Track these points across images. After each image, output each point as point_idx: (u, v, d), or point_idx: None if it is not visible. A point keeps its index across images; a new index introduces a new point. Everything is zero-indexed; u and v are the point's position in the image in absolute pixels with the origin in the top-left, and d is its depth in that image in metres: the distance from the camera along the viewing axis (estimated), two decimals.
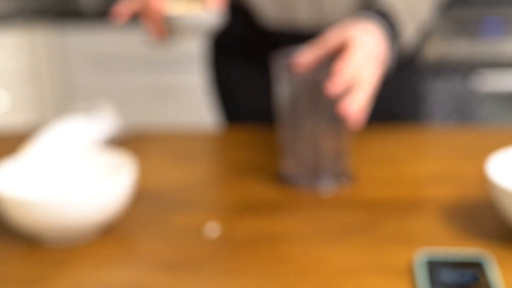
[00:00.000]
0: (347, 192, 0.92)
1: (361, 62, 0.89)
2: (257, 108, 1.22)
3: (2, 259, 0.78)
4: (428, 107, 2.09)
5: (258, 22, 1.15)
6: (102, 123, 1.08)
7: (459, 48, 2.14)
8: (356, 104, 0.86)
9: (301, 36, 1.11)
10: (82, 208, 0.77)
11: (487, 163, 0.90)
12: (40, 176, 0.88)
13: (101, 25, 2.31)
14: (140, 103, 2.33)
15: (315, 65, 0.93)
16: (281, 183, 0.95)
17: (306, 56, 0.92)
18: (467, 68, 2.14)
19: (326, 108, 0.90)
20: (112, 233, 0.83)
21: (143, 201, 0.90)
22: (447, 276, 0.70)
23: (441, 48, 2.14)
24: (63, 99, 2.38)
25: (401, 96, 1.19)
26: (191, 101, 2.32)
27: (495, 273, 0.70)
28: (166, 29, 0.98)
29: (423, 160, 1.04)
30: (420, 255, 0.74)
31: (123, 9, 1.02)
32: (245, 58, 1.21)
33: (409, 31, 1.02)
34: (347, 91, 0.88)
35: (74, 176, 0.89)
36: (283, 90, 0.92)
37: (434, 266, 0.72)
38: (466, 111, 2.13)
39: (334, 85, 0.86)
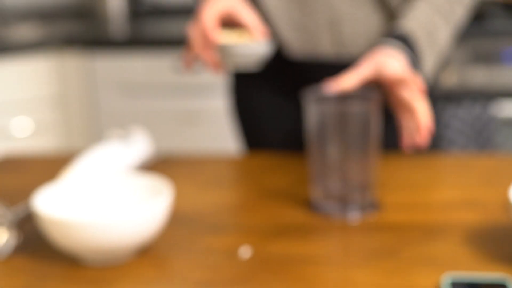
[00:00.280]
0: (374, 218, 0.95)
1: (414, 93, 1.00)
2: (279, 134, 1.26)
3: (44, 278, 0.82)
4: (450, 133, 2.12)
5: (283, 52, 1.20)
6: (137, 148, 1.12)
7: (478, 76, 2.17)
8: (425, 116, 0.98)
9: (323, 66, 1.16)
10: (121, 230, 0.80)
11: (510, 189, 0.93)
12: (80, 199, 0.91)
13: (128, 52, 2.36)
14: (165, 128, 2.37)
15: (349, 91, 0.98)
16: (310, 208, 0.98)
17: (345, 81, 0.98)
18: (486, 96, 2.16)
19: (354, 139, 0.94)
20: (148, 254, 0.86)
21: (177, 224, 0.94)
22: None
23: (461, 76, 2.17)
24: (90, 125, 2.43)
25: None
26: (216, 126, 2.36)
27: None
28: (222, 58, 1.07)
29: (445, 186, 1.07)
30: (445, 278, 0.76)
31: (187, 58, 1.12)
32: (269, 86, 1.25)
33: (429, 57, 1.06)
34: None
35: (113, 199, 0.92)
36: (312, 120, 0.96)
37: None
38: (485, 137, 2.15)
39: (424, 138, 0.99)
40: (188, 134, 2.38)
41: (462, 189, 1.04)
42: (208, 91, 2.34)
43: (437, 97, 1.25)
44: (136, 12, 2.78)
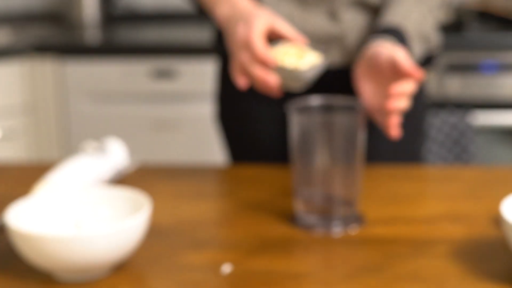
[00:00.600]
0: (357, 232, 0.93)
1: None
2: (266, 143, 1.23)
3: None
4: (428, 142, 2.12)
5: None
6: (113, 160, 1.09)
7: (455, 86, 2.18)
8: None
9: None
10: (97, 246, 0.78)
11: (500, 204, 0.91)
12: (55, 213, 0.88)
13: (102, 58, 2.33)
14: (140, 137, 2.34)
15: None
16: (293, 222, 0.96)
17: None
18: (463, 106, 2.17)
19: (339, 150, 0.92)
20: (125, 270, 0.83)
21: (155, 238, 0.91)
22: None
23: (438, 86, 2.17)
24: (61, 133, 2.39)
25: (408, 131, 1.21)
26: (193, 134, 2.33)
27: None
28: (278, 79, 0.99)
29: (429, 199, 1.05)
30: None
31: (240, 76, 1.02)
32: (257, 94, 1.22)
33: (418, 49, 1.08)
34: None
35: (89, 214, 0.89)
36: (296, 130, 0.93)
37: None
38: (462, 146, 2.15)
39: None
40: (164, 143, 2.35)
41: (447, 202, 1.02)
42: (185, 98, 2.32)
43: (424, 103, 1.24)
44: (110, 17, 2.74)
